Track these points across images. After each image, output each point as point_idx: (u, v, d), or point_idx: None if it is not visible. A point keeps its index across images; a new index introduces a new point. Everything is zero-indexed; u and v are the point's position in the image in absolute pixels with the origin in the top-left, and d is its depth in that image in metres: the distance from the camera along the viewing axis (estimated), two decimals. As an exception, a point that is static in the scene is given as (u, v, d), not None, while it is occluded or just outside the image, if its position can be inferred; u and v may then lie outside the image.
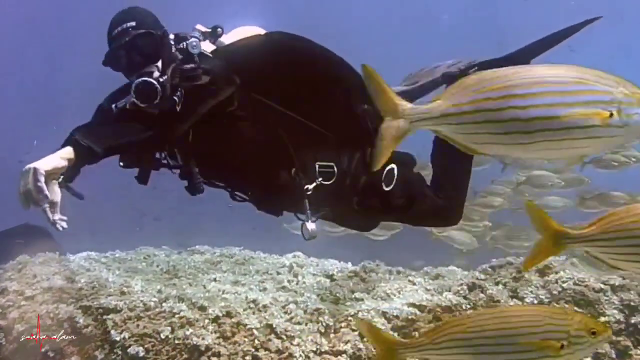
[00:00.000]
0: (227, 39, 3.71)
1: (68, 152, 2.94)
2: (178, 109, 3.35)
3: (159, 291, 5.63)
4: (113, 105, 3.44)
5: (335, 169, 3.81)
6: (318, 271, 7.07)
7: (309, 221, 3.82)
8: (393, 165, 3.95)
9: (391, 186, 3.98)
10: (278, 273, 7.06)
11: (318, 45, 3.79)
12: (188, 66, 3.42)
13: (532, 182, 8.33)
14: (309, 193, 3.76)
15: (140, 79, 3.30)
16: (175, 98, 3.33)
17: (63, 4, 20.86)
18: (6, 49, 21.71)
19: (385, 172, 3.92)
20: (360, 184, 3.96)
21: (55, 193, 2.88)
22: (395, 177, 3.98)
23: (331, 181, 3.79)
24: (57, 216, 2.87)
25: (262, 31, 3.84)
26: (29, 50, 22.51)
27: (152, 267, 6.76)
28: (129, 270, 6.38)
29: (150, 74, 3.32)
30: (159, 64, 3.39)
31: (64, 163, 2.90)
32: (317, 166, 3.78)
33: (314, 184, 3.75)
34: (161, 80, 3.31)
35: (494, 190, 8.66)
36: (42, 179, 2.77)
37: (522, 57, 4.18)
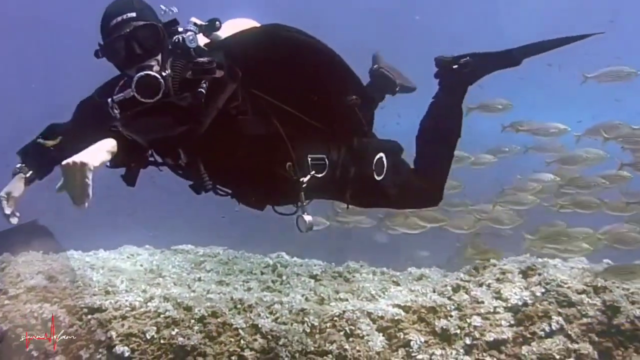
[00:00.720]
0: (220, 32, 3.68)
1: (111, 144, 2.78)
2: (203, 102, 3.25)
3: (144, 291, 5.62)
4: (109, 99, 3.34)
5: (327, 161, 3.81)
6: (302, 271, 7.08)
7: (305, 213, 3.82)
8: (381, 154, 3.99)
9: (382, 175, 4.01)
10: (262, 273, 7.07)
11: (311, 37, 3.75)
12: (204, 59, 3.38)
13: (576, 183, 8.18)
14: (304, 186, 3.76)
15: (142, 73, 3.25)
16: (202, 90, 3.23)
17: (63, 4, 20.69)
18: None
19: (375, 161, 3.95)
20: (350, 175, 3.94)
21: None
22: (385, 165, 4.01)
23: (323, 173, 3.79)
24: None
25: (256, 24, 3.82)
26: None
27: (136, 267, 6.74)
28: (113, 269, 6.35)
29: (150, 68, 3.27)
30: (159, 57, 3.34)
31: (109, 157, 2.76)
32: (309, 159, 3.76)
33: (308, 177, 3.72)
34: (163, 74, 3.28)
35: (522, 186, 8.50)
36: (91, 176, 2.63)
37: (517, 55, 4.37)
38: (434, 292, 5.79)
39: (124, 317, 5.07)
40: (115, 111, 3.33)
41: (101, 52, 3.36)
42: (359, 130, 3.98)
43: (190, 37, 3.43)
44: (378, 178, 3.99)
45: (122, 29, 3.27)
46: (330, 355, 4.87)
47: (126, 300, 5.25)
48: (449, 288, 5.77)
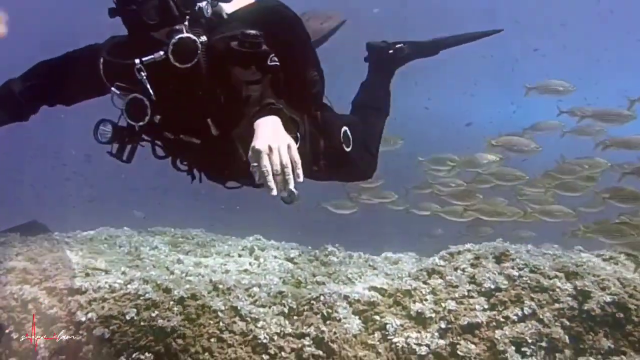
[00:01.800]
0: (225, 5, 3.67)
1: (279, 122, 2.89)
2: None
3: (124, 273, 5.65)
4: (137, 61, 3.30)
5: (297, 133, 3.85)
6: (279, 254, 7.14)
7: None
8: (345, 127, 4.13)
9: (350, 146, 4.14)
10: (240, 255, 7.13)
11: (294, 12, 3.83)
12: (252, 32, 3.39)
13: None
14: None
15: (183, 35, 3.24)
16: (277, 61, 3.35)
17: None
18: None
19: (342, 134, 4.09)
20: (320, 147, 4.02)
21: None
22: (351, 138, 4.16)
23: (297, 145, 3.84)
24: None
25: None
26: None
27: (115, 249, 6.76)
28: (92, 251, 6.37)
29: (180, 32, 3.27)
30: (186, 22, 3.33)
31: None
32: None
33: None
34: (202, 40, 3.30)
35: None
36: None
37: (440, 45, 4.97)
38: (410, 276, 5.86)
39: (103, 299, 5.10)
40: (143, 74, 3.32)
41: (117, 12, 3.31)
42: (320, 104, 4.09)
43: (206, 7, 3.44)
44: (347, 149, 4.12)
45: None
46: (307, 338, 4.93)
47: (106, 282, 5.28)
48: (424, 273, 5.85)
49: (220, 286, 5.56)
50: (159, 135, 3.62)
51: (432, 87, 18.82)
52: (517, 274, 5.61)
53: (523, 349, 4.96)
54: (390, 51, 4.84)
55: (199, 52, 3.26)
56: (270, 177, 2.67)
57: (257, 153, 2.68)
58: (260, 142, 2.71)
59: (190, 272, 6.03)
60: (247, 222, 8.56)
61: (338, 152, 4.08)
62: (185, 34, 3.23)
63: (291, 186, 2.69)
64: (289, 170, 2.70)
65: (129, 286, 5.28)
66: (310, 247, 7.59)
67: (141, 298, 5.11)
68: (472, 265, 5.90)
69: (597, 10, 20.39)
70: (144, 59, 3.29)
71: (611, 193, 7.18)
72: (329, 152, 4.04)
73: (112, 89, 3.48)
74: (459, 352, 4.93)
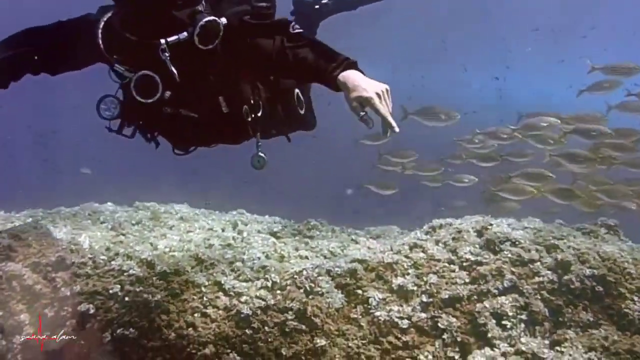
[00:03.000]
0: None
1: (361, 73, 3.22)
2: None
3: (108, 249, 5.66)
4: (162, 41, 3.35)
5: (260, 101, 3.92)
6: (262, 228, 7.18)
7: (260, 152, 4.07)
8: (297, 91, 4.31)
9: (304, 109, 4.38)
10: (223, 230, 7.16)
11: None
12: (262, 4, 3.46)
13: None
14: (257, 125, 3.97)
15: (210, 18, 3.32)
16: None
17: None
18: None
19: (296, 98, 4.27)
20: (279, 112, 4.18)
21: None
22: (303, 100, 4.36)
23: (260, 112, 3.93)
24: None
25: None
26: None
27: (98, 225, 6.76)
28: (77, 227, 6.37)
29: (203, 13, 3.35)
30: (203, 2, 3.42)
31: None
32: (252, 100, 3.92)
33: (253, 116, 3.92)
34: (223, 22, 3.38)
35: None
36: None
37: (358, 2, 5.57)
38: (392, 250, 5.89)
39: (88, 275, 5.13)
40: (166, 54, 3.37)
41: None
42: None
43: None
44: (302, 112, 4.36)
45: None
46: (290, 312, 4.96)
47: (89, 258, 5.30)
48: (406, 246, 5.88)
49: (204, 261, 5.58)
50: (157, 110, 3.65)
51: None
52: (498, 247, 5.66)
53: (503, 322, 5.01)
54: (317, 6, 5.28)
55: (220, 34, 3.32)
56: (391, 118, 3.06)
57: (369, 100, 3.02)
58: (368, 91, 3.05)
59: (174, 247, 6.06)
60: (227, 196, 8.59)
61: (295, 115, 4.35)
62: (211, 17, 3.32)
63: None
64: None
65: (112, 262, 5.31)
66: (292, 221, 7.63)
67: (125, 274, 5.14)
68: (453, 239, 5.94)
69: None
70: (169, 39, 3.36)
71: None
72: (290, 115, 4.31)
73: (116, 64, 3.51)
74: (440, 325, 4.98)
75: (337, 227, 7.22)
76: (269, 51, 3.47)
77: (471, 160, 8.97)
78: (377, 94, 3.03)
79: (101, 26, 3.47)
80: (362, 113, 3.09)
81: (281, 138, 4.46)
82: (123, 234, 6.43)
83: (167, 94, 3.54)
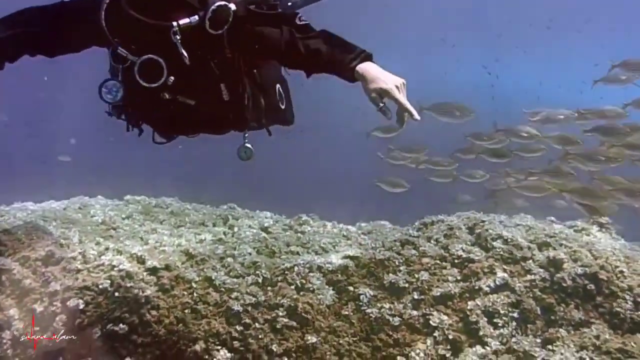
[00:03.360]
0: None
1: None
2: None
3: (98, 243, 5.61)
4: (174, 23, 3.35)
5: (246, 93, 3.92)
6: (253, 223, 7.14)
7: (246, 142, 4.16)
8: (278, 85, 4.33)
9: (285, 104, 4.40)
10: (214, 225, 7.13)
11: None
12: None
13: None
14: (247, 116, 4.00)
15: (221, 3, 3.33)
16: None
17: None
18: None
19: (277, 92, 4.29)
20: (262, 105, 4.15)
21: None
22: (283, 94, 4.39)
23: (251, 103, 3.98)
24: None
25: None
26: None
27: (88, 218, 6.71)
28: (66, 221, 6.31)
29: None
30: None
31: None
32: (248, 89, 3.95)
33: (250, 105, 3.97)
34: (232, 8, 3.40)
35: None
36: None
37: None
38: (383, 246, 5.88)
39: (77, 270, 5.09)
40: (177, 37, 3.37)
41: None
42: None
43: None
44: (282, 107, 4.37)
45: None
46: (281, 309, 4.95)
47: (79, 253, 5.27)
48: (398, 243, 5.87)
49: (195, 256, 5.56)
50: (154, 95, 3.65)
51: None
52: (490, 245, 5.65)
53: (495, 320, 5.00)
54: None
55: (230, 19, 3.34)
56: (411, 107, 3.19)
57: (389, 91, 3.17)
58: (387, 83, 3.20)
59: (164, 242, 6.02)
60: (219, 190, 8.56)
61: (276, 109, 4.34)
62: (222, 2, 3.34)
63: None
64: None
65: (102, 257, 5.27)
66: (284, 216, 7.60)
67: (115, 269, 5.11)
68: (445, 235, 5.93)
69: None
70: (180, 22, 3.36)
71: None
72: (271, 109, 4.27)
73: (120, 48, 3.50)
74: (431, 322, 4.97)
75: (328, 222, 7.19)
76: (276, 41, 3.55)
77: (481, 156, 9.04)
78: (396, 86, 3.16)
79: (104, 7, 3.42)
80: (381, 104, 3.22)
81: (274, 132, 4.44)
82: (113, 228, 6.38)
83: (171, 79, 3.54)
